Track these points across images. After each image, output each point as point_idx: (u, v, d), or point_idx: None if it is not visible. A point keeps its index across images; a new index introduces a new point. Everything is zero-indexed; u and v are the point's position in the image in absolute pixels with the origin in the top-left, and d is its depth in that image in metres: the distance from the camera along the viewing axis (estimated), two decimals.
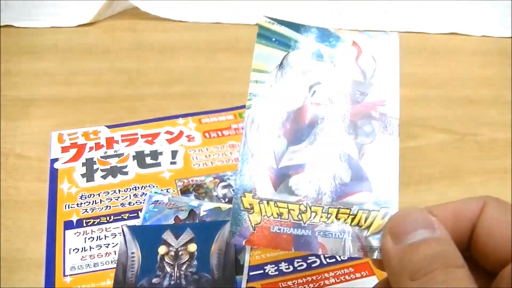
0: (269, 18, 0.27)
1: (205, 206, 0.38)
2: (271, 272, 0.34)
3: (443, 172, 0.45)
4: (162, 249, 0.34)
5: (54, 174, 0.42)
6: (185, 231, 0.35)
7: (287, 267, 0.35)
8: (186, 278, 0.33)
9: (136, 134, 0.46)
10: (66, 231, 0.37)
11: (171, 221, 0.37)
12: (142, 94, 0.53)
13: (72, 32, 0.63)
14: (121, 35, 0.64)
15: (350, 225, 0.24)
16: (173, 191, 0.40)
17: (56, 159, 0.43)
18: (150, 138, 0.45)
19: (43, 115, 0.49)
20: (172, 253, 0.34)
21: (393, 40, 0.27)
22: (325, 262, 0.35)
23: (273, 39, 0.27)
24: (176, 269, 0.33)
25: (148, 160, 0.43)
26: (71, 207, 0.39)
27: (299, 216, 0.25)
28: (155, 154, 0.44)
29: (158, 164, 0.43)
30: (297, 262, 0.35)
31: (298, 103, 0.26)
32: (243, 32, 0.64)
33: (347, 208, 0.24)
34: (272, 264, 0.35)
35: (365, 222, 0.24)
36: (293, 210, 0.25)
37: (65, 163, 0.43)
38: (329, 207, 0.25)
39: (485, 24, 0.65)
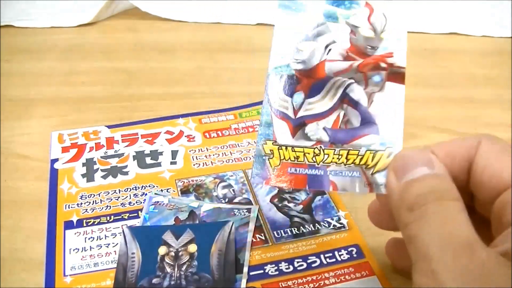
0: None
1: (205, 207, 0.38)
2: (271, 272, 0.34)
3: None
4: (162, 250, 0.34)
5: (54, 174, 0.42)
6: (185, 232, 0.35)
7: (287, 267, 0.35)
8: (186, 279, 0.33)
9: (136, 134, 0.46)
10: (66, 231, 0.37)
11: (171, 222, 0.37)
12: (142, 94, 0.53)
13: (72, 32, 0.63)
14: (121, 35, 0.64)
15: (359, 164, 0.27)
16: (173, 191, 0.40)
17: (56, 159, 0.43)
18: (150, 138, 0.45)
19: (43, 115, 0.49)
20: (172, 253, 0.34)
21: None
22: (325, 262, 0.35)
23: (293, 7, 0.29)
24: (176, 269, 0.33)
25: (148, 160, 0.43)
26: (71, 207, 0.39)
27: (314, 159, 0.28)
28: (155, 154, 0.44)
29: (158, 164, 0.43)
30: (297, 262, 0.35)
31: (315, 60, 0.29)
32: (243, 32, 0.64)
33: (356, 150, 0.27)
34: (272, 264, 0.35)
35: (372, 161, 0.27)
36: (308, 153, 0.28)
37: (65, 163, 0.43)
38: (340, 149, 0.27)
39: (485, 24, 0.65)
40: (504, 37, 0.64)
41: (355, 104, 0.28)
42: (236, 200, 0.40)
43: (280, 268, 0.34)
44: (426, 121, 0.50)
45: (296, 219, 0.38)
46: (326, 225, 0.38)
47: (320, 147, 0.28)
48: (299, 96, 0.28)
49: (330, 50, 0.29)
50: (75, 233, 0.37)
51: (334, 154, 0.27)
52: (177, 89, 0.54)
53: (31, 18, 0.64)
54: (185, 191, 0.40)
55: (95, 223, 0.37)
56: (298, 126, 0.28)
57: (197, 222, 0.37)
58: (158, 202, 0.39)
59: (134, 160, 0.43)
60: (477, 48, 0.63)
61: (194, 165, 0.43)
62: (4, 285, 0.34)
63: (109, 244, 0.36)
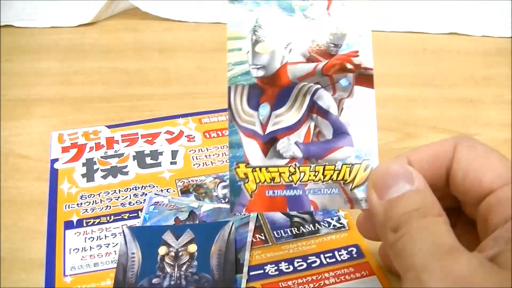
0: None
1: (205, 207, 0.38)
2: (271, 272, 0.34)
3: None
4: (162, 250, 0.34)
5: (54, 174, 0.42)
6: (185, 232, 0.35)
7: (287, 267, 0.35)
8: (186, 279, 0.33)
9: (136, 134, 0.46)
10: (66, 231, 0.37)
11: (171, 222, 0.37)
12: (142, 94, 0.53)
13: (72, 32, 0.63)
14: (121, 35, 0.64)
15: (336, 180, 0.26)
16: (173, 191, 0.40)
17: (56, 159, 0.43)
18: (150, 138, 0.45)
19: (43, 115, 0.49)
20: (172, 253, 0.34)
21: None
22: (325, 262, 0.35)
23: (244, 1, 0.27)
24: (176, 269, 0.33)
25: (148, 160, 0.43)
26: (71, 207, 0.39)
27: (290, 178, 0.26)
28: (155, 154, 0.44)
29: (158, 164, 0.43)
30: (297, 262, 0.35)
31: (276, 63, 0.26)
32: None
33: (332, 165, 0.26)
34: (272, 264, 0.35)
35: (349, 175, 0.26)
36: (284, 172, 0.26)
37: (65, 163, 0.43)
38: (315, 165, 0.26)
39: (485, 24, 0.65)
40: (504, 37, 0.64)
41: (324, 113, 0.26)
42: None
43: (280, 268, 0.34)
44: (426, 121, 0.50)
45: (296, 219, 0.38)
46: (326, 225, 0.38)
47: (295, 164, 0.26)
48: (265, 109, 0.26)
49: (290, 50, 0.26)
50: (75, 233, 0.37)
51: (310, 171, 0.26)
52: (177, 89, 0.54)
53: (31, 18, 0.64)
54: (185, 191, 0.40)
55: (95, 223, 0.37)
56: (269, 142, 0.26)
57: (197, 222, 0.37)
58: (158, 202, 0.39)
59: (134, 160, 0.43)
60: (477, 48, 0.63)
61: (194, 165, 0.43)
62: (4, 285, 0.34)
63: (109, 244, 0.36)
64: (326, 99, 0.26)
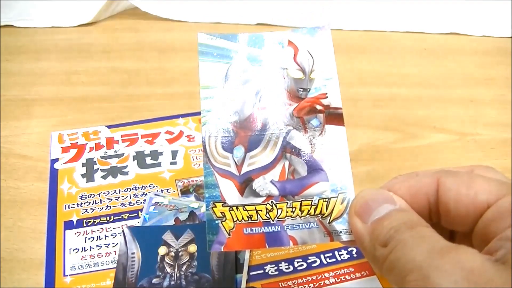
0: (207, 34, 0.29)
1: (205, 207, 0.38)
2: (271, 272, 0.34)
3: None
4: (162, 250, 0.34)
5: (54, 174, 0.42)
6: (185, 232, 0.35)
7: (287, 267, 0.35)
8: (186, 279, 0.33)
9: (136, 134, 0.46)
10: (66, 231, 0.37)
11: (171, 222, 0.37)
12: (142, 94, 0.53)
13: (72, 32, 0.63)
14: (121, 35, 0.64)
15: (314, 214, 0.26)
16: (173, 191, 0.40)
17: (56, 159, 0.43)
18: (150, 138, 0.45)
19: (43, 115, 0.49)
20: (172, 253, 0.34)
21: (326, 34, 0.28)
22: (325, 262, 0.35)
23: (215, 54, 0.28)
24: (176, 269, 0.33)
25: (148, 160, 0.43)
26: (71, 207, 0.39)
27: (267, 215, 0.26)
28: (155, 154, 0.44)
29: (158, 164, 0.43)
30: (297, 262, 0.35)
31: (247, 111, 0.27)
32: (243, 32, 0.64)
33: (308, 200, 0.26)
34: (272, 264, 0.35)
35: (326, 209, 0.26)
36: (261, 210, 0.26)
37: (65, 163, 0.43)
38: (292, 202, 0.26)
39: (485, 24, 0.65)
40: (504, 37, 0.64)
41: (297, 153, 0.27)
42: None
43: (280, 268, 0.34)
44: (426, 121, 0.50)
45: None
46: None
47: (272, 202, 0.26)
48: (239, 151, 0.27)
49: (261, 97, 0.27)
50: (75, 233, 0.37)
51: (287, 207, 0.26)
52: (177, 89, 0.54)
53: (31, 18, 0.64)
54: (185, 191, 0.40)
55: (95, 223, 0.37)
56: (245, 182, 0.27)
57: (197, 222, 0.37)
58: (158, 203, 0.39)
59: (134, 160, 0.43)
60: (477, 48, 0.63)
61: (194, 165, 0.43)
62: (4, 285, 0.34)
63: (109, 244, 0.36)
64: (297, 139, 0.27)
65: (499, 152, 0.47)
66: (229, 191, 0.27)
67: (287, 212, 0.26)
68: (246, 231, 0.26)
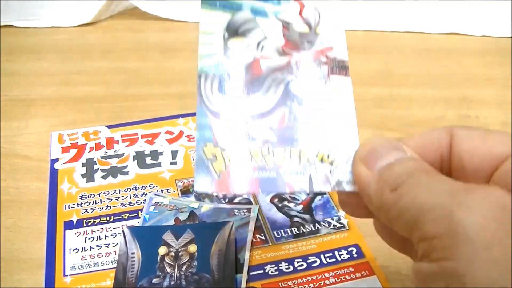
0: None
1: (205, 207, 0.38)
2: (271, 272, 0.34)
3: None
4: (162, 250, 0.34)
5: (54, 174, 0.42)
6: (185, 232, 0.35)
7: (287, 267, 0.35)
8: (186, 279, 0.33)
9: (136, 134, 0.46)
10: (66, 231, 0.37)
11: (171, 222, 0.37)
12: (142, 94, 0.53)
13: (72, 32, 0.63)
14: (121, 35, 0.64)
15: (314, 162, 0.25)
16: (173, 191, 0.40)
17: (56, 160, 0.43)
18: (150, 138, 0.45)
19: (43, 115, 0.49)
20: (172, 253, 0.34)
21: None
22: (325, 262, 0.35)
23: (217, 4, 0.26)
24: (176, 269, 0.33)
25: (148, 160, 0.43)
26: (71, 207, 0.39)
27: (262, 160, 0.25)
28: (155, 154, 0.44)
29: (158, 164, 0.43)
30: (297, 262, 0.35)
31: (249, 58, 0.26)
32: None
33: (308, 150, 0.25)
34: (272, 264, 0.35)
35: (328, 158, 0.25)
36: (256, 155, 0.25)
37: (65, 163, 0.43)
38: (290, 148, 0.25)
39: (485, 24, 0.65)
40: (504, 37, 0.64)
41: (299, 102, 0.25)
42: (236, 200, 0.40)
43: (280, 268, 0.34)
44: (426, 121, 0.50)
45: (296, 219, 0.38)
46: (326, 225, 0.38)
47: (269, 147, 0.25)
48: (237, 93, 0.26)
49: (263, 47, 0.26)
50: (75, 233, 0.37)
51: (284, 152, 0.25)
52: (177, 89, 0.54)
53: (31, 18, 0.64)
54: (185, 191, 0.40)
55: (95, 223, 0.37)
56: (241, 126, 0.25)
57: (197, 222, 0.37)
58: (158, 203, 0.39)
59: (134, 160, 0.43)
60: (477, 48, 0.63)
61: (194, 165, 0.43)
62: (4, 285, 0.34)
63: (109, 244, 0.36)
64: (300, 89, 0.26)
65: None
66: (223, 134, 0.25)
67: (283, 157, 0.25)
68: (238, 174, 0.24)
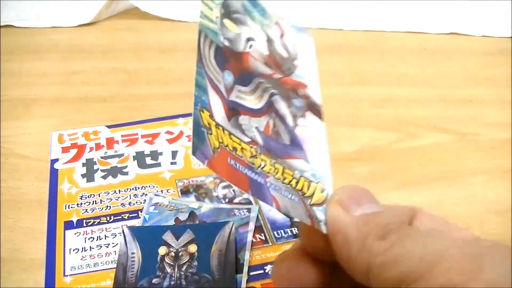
0: None
1: (205, 207, 0.38)
2: (271, 272, 0.34)
3: (443, 172, 0.45)
4: (162, 250, 0.34)
5: (54, 174, 0.42)
6: (185, 232, 0.35)
7: None
8: (186, 279, 0.33)
9: (136, 134, 0.46)
10: (66, 231, 0.37)
11: (171, 223, 0.37)
12: (142, 94, 0.53)
13: (72, 32, 0.63)
14: (121, 35, 0.64)
15: (295, 188, 0.24)
16: (173, 191, 0.40)
17: (56, 160, 0.43)
18: (150, 138, 0.45)
19: (43, 115, 0.49)
20: (173, 253, 0.34)
21: (308, 40, 0.26)
22: None
23: None
24: (176, 269, 0.33)
25: (148, 160, 0.43)
26: (71, 207, 0.39)
27: (251, 160, 0.24)
28: (155, 154, 0.44)
29: (158, 165, 0.43)
30: None
31: (240, 47, 0.25)
32: None
33: (291, 171, 0.24)
34: (272, 264, 0.35)
35: (308, 190, 0.24)
36: (246, 149, 0.24)
37: (65, 163, 0.43)
38: (275, 162, 0.24)
39: (485, 24, 0.65)
40: (504, 37, 0.64)
41: (281, 118, 0.24)
42: (236, 200, 0.40)
43: None
44: (426, 121, 0.50)
45: (296, 219, 0.38)
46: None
47: (256, 149, 0.24)
48: (229, 76, 0.25)
49: (251, 46, 0.25)
50: (75, 233, 0.37)
51: (270, 164, 0.24)
52: (177, 89, 0.54)
53: (31, 18, 0.64)
54: (185, 192, 0.40)
55: (95, 223, 0.37)
56: (232, 111, 0.25)
57: (197, 222, 0.37)
58: (158, 203, 0.39)
59: (134, 160, 0.43)
60: (477, 48, 0.63)
61: (194, 165, 0.43)
62: (4, 285, 0.34)
63: (109, 244, 0.36)
64: (282, 107, 0.25)
65: (499, 152, 0.47)
66: (217, 108, 0.25)
67: (270, 169, 0.24)
68: (230, 161, 0.24)
